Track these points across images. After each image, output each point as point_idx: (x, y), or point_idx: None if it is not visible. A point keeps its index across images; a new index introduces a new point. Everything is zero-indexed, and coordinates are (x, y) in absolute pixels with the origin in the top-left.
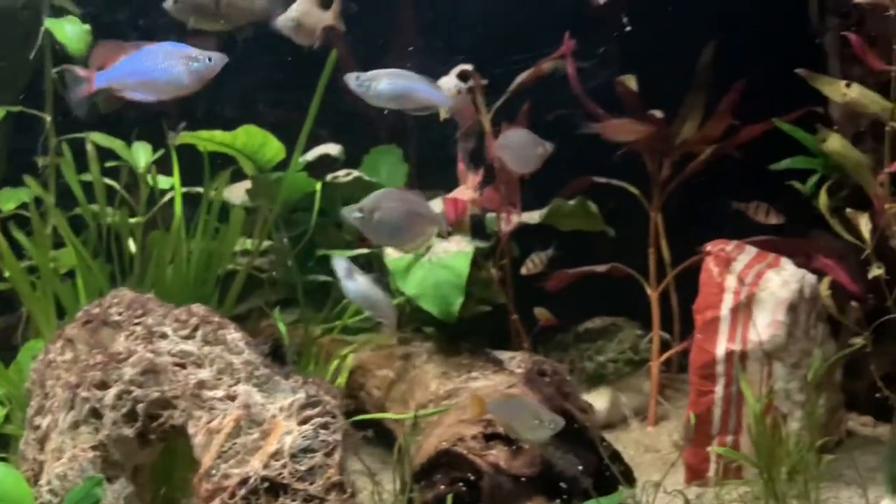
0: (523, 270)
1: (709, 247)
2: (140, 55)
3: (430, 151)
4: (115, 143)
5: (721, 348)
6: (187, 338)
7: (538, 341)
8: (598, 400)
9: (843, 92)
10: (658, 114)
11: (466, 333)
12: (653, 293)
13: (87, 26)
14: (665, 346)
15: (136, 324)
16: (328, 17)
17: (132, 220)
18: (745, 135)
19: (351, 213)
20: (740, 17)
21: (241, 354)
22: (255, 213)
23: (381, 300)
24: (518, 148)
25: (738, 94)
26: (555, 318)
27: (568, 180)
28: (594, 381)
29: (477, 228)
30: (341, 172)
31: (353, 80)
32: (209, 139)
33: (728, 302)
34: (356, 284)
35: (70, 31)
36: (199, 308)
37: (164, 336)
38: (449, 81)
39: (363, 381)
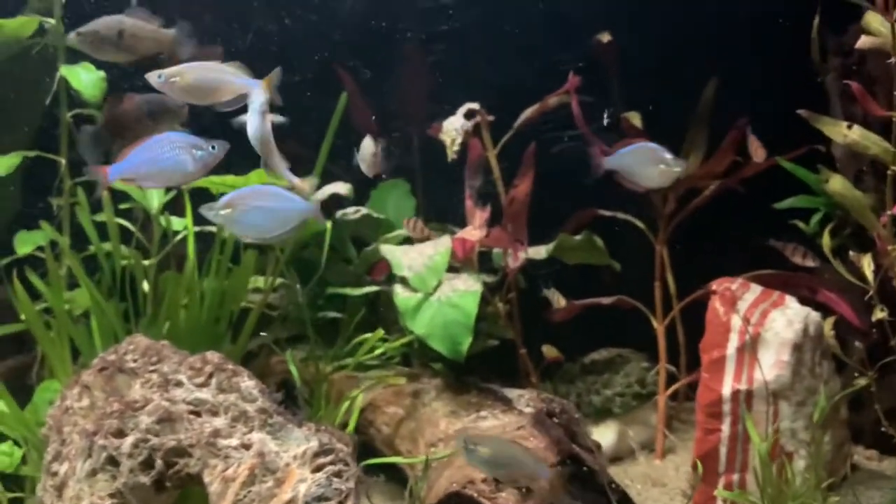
0: (556, 305)
1: (714, 286)
2: (148, 145)
3: (437, 185)
4: (129, 185)
5: (727, 387)
6: (202, 385)
7: (545, 373)
8: (606, 433)
9: (844, 133)
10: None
11: (475, 368)
12: (659, 326)
13: (101, 73)
14: (671, 378)
15: (152, 371)
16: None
17: (146, 262)
18: (749, 171)
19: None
20: (744, 55)
21: (254, 402)
22: (266, 250)
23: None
24: (640, 163)
25: (741, 131)
26: (561, 355)
27: (574, 212)
28: (602, 414)
29: (484, 261)
30: (350, 209)
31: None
32: (221, 183)
33: (734, 342)
34: (260, 123)
35: (85, 77)
36: (213, 356)
37: (179, 384)
38: (456, 121)
39: (372, 417)
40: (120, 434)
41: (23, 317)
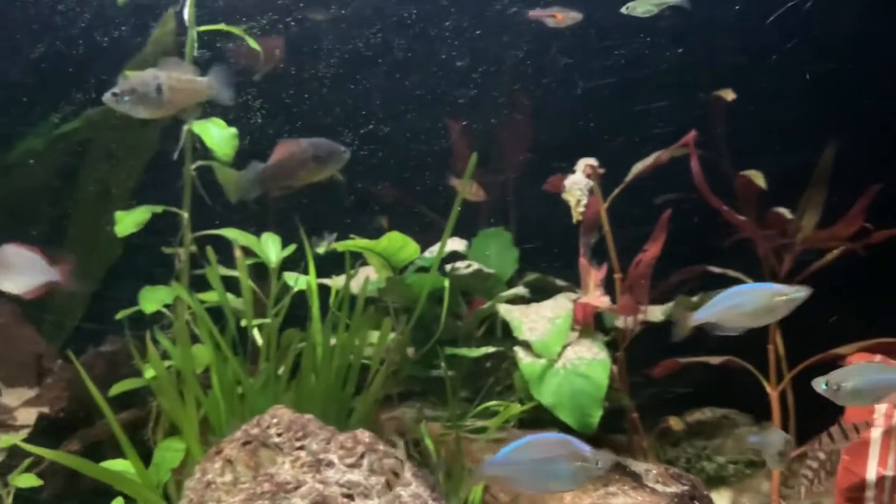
0: None
1: (854, 361)
2: None
3: (536, 236)
4: (250, 240)
5: (872, 472)
6: (353, 466)
7: (647, 431)
8: (720, 502)
9: None
10: (786, 213)
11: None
12: (773, 392)
13: (233, 129)
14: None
15: (299, 448)
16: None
17: (270, 320)
18: (878, 237)
19: None
20: (872, 117)
21: (408, 486)
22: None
23: None
24: None
25: (871, 198)
26: (684, 425)
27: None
28: (714, 481)
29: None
30: (461, 264)
31: None
32: (353, 246)
33: (879, 424)
34: None
35: (217, 134)
36: (363, 434)
37: (330, 464)
38: (580, 180)
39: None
40: None
41: (148, 375)
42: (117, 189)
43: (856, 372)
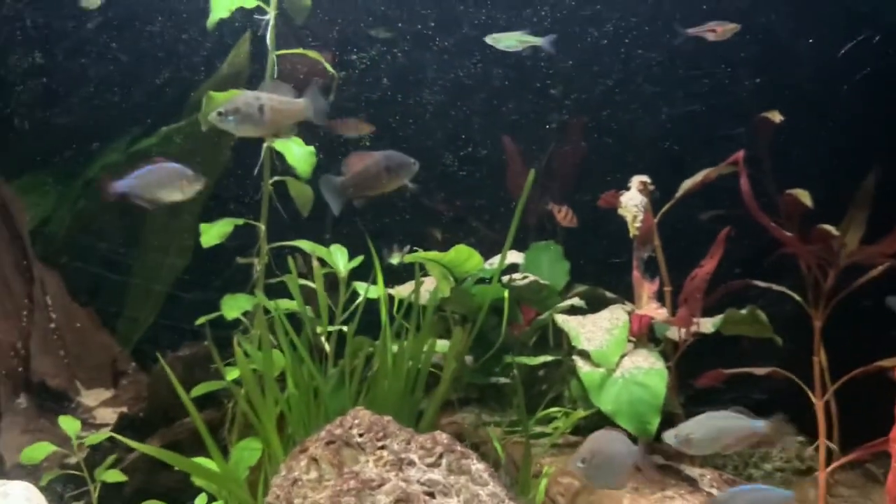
0: None
1: None
2: None
3: (586, 249)
4: (321, 251)
5: None
6: (433, 466)
7: None
8: None
9: None
10: (832, 230)
11: None
12: (818, 402)
13: (311, 148)
14: (830, 453)
15: (381, 447)
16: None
17: (345, 328)
18: None
19: None
20: None
21: (486, 486)
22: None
23: None
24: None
25: None
26: None
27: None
28: None
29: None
30: (518, 275)
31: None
32: (422, 257)
33: None
34: None
35: (297, 151)
36: (441, 436)
37: (411, 463)
38: (636, 197)
39: (546, 487)
40: None
41: (230, 377)
42: (188, 202)
43: (702, 422)
